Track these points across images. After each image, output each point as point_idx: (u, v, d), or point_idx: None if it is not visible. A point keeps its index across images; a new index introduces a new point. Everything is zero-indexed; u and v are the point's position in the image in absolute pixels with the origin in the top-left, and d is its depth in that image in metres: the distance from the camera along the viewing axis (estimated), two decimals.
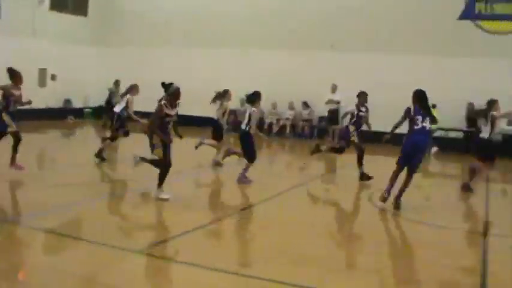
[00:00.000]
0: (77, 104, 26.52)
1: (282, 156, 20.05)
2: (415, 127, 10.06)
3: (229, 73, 23.34)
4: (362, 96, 13.43)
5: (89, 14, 27.18)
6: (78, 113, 26.30)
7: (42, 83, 24.77)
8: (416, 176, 10.51)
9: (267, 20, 23.96)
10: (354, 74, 21.73)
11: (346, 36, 22.65)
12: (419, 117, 10.08)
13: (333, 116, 22.29)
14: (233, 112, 20.42)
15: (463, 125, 21.03)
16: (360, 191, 12.31)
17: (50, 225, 7.74)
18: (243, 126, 12.21)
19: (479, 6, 21.72)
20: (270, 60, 23.40)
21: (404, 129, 10.20)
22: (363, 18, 22.46)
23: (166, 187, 9.81)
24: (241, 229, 8.81)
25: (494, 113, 12.25)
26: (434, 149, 20.41)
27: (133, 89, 14.10)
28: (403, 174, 10.14)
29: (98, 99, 25.61)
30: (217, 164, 14.22)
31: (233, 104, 17.52)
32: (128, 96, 14.01)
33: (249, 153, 12.17)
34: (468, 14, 21.78)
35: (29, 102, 11.56)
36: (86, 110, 26.87)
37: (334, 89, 22.29)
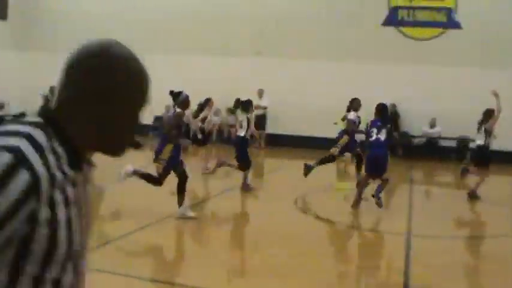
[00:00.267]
0: None
1: (207, 162, 19.77)
2: (370, 139, 10.61)
3: (161, 80, 22.88)
4: (356, 103, 13.14)
5: (9, 17, 26.12)
6: None
7: None
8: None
9: (195, 26, 23.64)
10: (280, 80, 21.75)
11: (273, 43, 22.59)
12: (375, 130, 10.56)
13: (261, 121, 22.18)
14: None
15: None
16: (286, 196, 12.17)
17: None
18: (242, 133, 12.20)
19: (402, 13, 22.15)
20: (195, 68, 23.07)
21: None
22: (289, 25, 22.45)
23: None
24: (168, 237, 8.52)
25: (491, 121, 12.70)
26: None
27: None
28: None
29: (21, 106, 24.62)
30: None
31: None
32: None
33: (246, 160, 12.13)
34: (391, 20, 22.16)
35: None
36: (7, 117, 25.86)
37: (261, 94, 22.19)
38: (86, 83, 1.59)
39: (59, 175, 1.48)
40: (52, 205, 1.45)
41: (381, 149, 10.65)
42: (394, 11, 22.18)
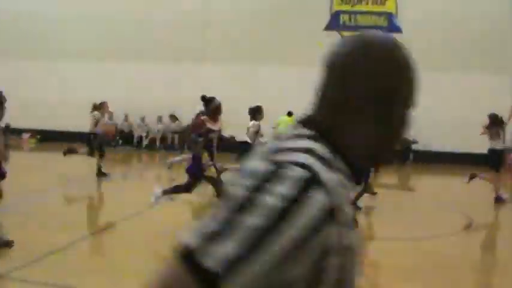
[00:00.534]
0: None
1: (152, 169, 19.53)
2: None
3: (103, 87, 22.54)
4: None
5: None
6: None
7: None
8: None
9: (136, 33, 23.28)
10: (224, 86, 21.63)
11: (215, 48, 22.44)
12: None
13: None
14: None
15: None
16: None
17: None
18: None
19: (343, 18, 22.33)
20: (137, 74, 22.72)
21: None
22: (231, 30, 22.34)
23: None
24: (109, 246, 8.25)
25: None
26: None
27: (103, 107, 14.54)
28: None
29: None
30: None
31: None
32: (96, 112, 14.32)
33: None
34: (333, 25, 22.32)
35: None
36: None
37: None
38: (370, 85, 1.36)
39: (344, 193, 1.26)
40: (343, 227, 1.23)
41: None
42: (335, 15, 22.35)
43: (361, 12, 22.32)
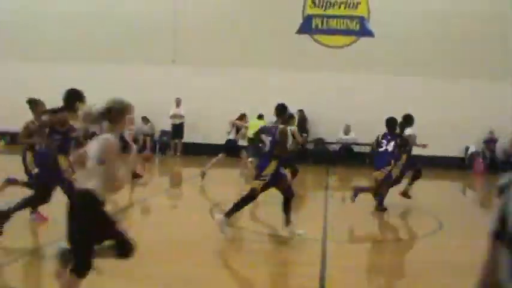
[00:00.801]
0: None
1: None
2: (379, 149, 11.84)
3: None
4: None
5: None
6: None
7: None
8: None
9: (108, 35, 23.09)
10: (196, 89, 21.61)
11: (189, 51, 22.37)
12: (384, 141, 11.79)
13: (178, 130, 21.96)
14: None
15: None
16: (202, 205, 12.00)
17: None
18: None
19: (316, 21, 22.42)
20: (108, 76, 22.46)
21: None
22: (204, 33, 22.29)
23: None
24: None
25: None
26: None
27: None
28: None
29: None
30: None
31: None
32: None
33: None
34: (306, 28, 22.40)
35: None
36: None
37: (178, 103, 21.92)
38: None
39: None
40: None
41: (385, 156, 11.80)
42: (308, 19, 22.43)
43: (334, 16, 22.42)
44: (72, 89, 8.23)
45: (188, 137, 21.94)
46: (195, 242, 8.57)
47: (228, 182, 15.73)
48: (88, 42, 22.83)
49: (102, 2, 22.87)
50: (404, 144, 12.22)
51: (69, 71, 22.36)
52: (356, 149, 21.46)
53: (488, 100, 20.77)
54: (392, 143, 11.79)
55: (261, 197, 9.23)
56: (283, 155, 9.00)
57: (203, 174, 15.04)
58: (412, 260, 8.47)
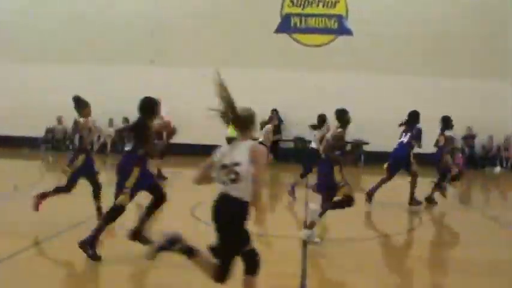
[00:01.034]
0: None
1: (104, 173, 19.22)
2: (398, 140, 12.56)
3: (44, 89, 22.16)
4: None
5: None
6: None
7: None
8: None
9: (84, 34, 22.94)
10: (177, 89, 21.53)
11: (167, 51, 22.29)
12: (403, 134, 12.55)
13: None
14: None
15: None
16: (184, 203, 11.94)
17: None
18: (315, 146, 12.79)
19: (294, 20, 22.45)
20: (88, 76, 22.33)
21: None
22: (183, 33, 22.24)
23: None
24: (66, 250, 8.06)
25: None
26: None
27: None
28: None
29: None
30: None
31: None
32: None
33: (309, 170, 12.86)
34: (284, 27, 22.42)
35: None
36: None
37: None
38: None
39: None
40: None
41: (401, 148, 12.47)
42: (286, 18, 22.45)
43: (312, 15, 22.48)
44: (150, 97, 8.10)
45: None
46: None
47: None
48: (65, 44, 22.69)
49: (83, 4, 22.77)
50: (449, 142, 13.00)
51: (45, 71, 22.29)
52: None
53: (467, 97, 20.95)
54: (408, 135, 12.46)
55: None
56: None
57: None
58: (393, 256, 8.51)
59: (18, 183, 13.64)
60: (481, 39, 21.57)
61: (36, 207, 9.35)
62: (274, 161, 15.67)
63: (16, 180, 14.10)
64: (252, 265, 5.18)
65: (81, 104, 9.62)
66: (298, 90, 21.42)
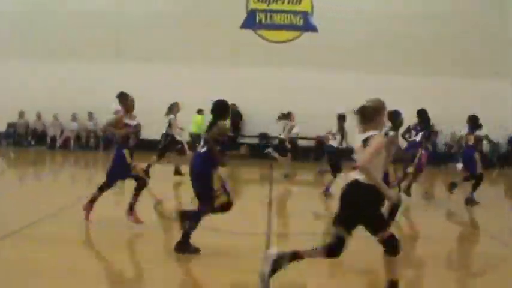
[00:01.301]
0: None
1: (67, 169, 19.05)
2: (409, 139, 12.79)
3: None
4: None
5: None
6: None
7: None
8: None
9: (43, 29, 22.58)
10: (138, 83, 21.34)
11: (131, 46, 22.09)
12: (414, 132, 12.73)
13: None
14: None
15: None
16: (148, 200, 11.85)
17: None
18: (335, 144, 12.98)
19: (260, 16, 22.44)
20: (50, 71, 22.04)
21: None
22: (146, 27, 22.06)
23: None
24: (19, 250, 7.94)
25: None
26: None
27: (174, 108, 14.96)
28: None
29: None
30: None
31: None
32: (171, 116, 14.78)
33: (338, 167, 12.92)
34: (249, 23, 22.40)
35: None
36: None
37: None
38: None
39: None
40: None
41: (414, 145, 12.66)
42: (252, 14, 22.43)
43: (277, 11, 22.50)
44: (222, 100, 8.01)
45: None
46: (138, 238, 8.48)
47: (171, 178, 15.61)
48: (27, 39, 22.36)
49: None
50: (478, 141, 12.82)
51: (6, 67, 21.97)
52: (300, 143, 21.55)
53: (431, 94, 21.17)
54: (420, 134, 12.72)
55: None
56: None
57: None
58: (355, 251, 8.54)
59: None
60: (429, 35, 21.83)
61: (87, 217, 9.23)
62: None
63: None
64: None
65: (121, 98, 9.43)
66: (263, 86, 21.43)
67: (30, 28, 22.46)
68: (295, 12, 22.51)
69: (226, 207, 7.77)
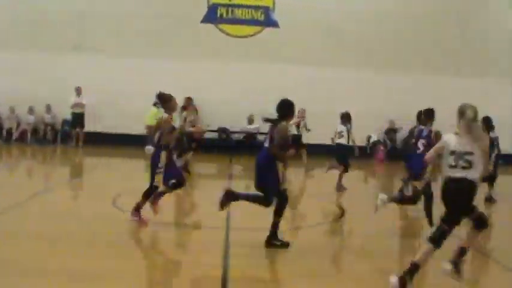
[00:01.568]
0: None
1: (23, 163, 18.74)
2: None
3: None
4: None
5: None
6: None
7: None
8: None
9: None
10: (98, 77, 21.13)
11: (92, 39, 21.79)
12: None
13: (79, 119, 21.30)
14: None
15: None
16: (105, 195, 11.72)
17: None
18: (343, 142, 13.31)
19: (221, 10, 22.37)
20: (4, 62, 21.55)
21: None
22: (108, 21, 21.79)
23: None
24: None
25: None
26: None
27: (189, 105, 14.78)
28: None
29: None
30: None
31: None
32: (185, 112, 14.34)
33: (347, 163, 13.54)
34: (210, 17, 22.31)
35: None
36: None
37: (79, 92, 21.25)
38: None
39: None
40: None
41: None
42: (213, 8, 22.35)
43: (239, 6, 22.45)
44: (287, 99, 8.34)
45: (91, 126, 21.32)
46: (97, 233, 8.38)
47: (130, 172, 15.50)
48: None
49: None
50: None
51: None
52: (260, 138, 21.60)
53: (390, 91, 21.41)
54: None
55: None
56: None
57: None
58: (314, 245, 8.58)
59: None
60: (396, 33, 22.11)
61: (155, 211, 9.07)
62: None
63: None
64: (480, 223, 6.37)
65: (162, 99, 9.15)
66: (224, 80, 21.39)
67: None
68: (256, 7, 22.48)
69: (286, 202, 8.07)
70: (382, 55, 22.10)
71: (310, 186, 13.63)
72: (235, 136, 22.08)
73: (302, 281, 6.81)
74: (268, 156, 7.93)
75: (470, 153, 6.18)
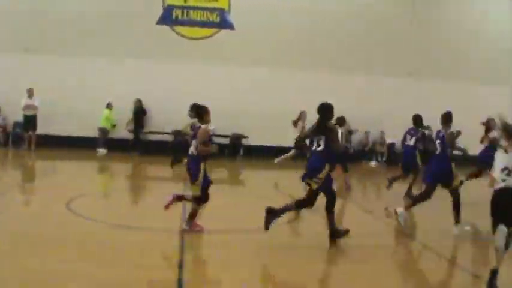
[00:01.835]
0: None
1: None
2: (405, 143, 13.73)
3: None
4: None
5: None
6: None
7: None
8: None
9: None
10: (50, 79, 20.79)
11: (43, 39, 21.41)
12: (409, 136, 13.55)
13: (31, 121, 20.85)
14: None
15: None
16: (58, 198, 11.54)
17: None
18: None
19: (176, 12, 22.27)
20: None
21: None
22: (61, 22, 21.45)
23: None
24: None
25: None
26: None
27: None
28: None
29: None
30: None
31: None
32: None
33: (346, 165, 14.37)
34: (166, 19, 22.19)
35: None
36: None
37: (31, 93, 20.79)
38: None
39: None
40: None
41: (409, 149, 13.55)
42: (169, 10, 22.24)
43: (194, 8, 22.37)
44: (328, 103, 9.00)
45: (44, 129, 20.88)
46: (52, 237, 8.25)
47: (83, 175, 15.30)
48: None
49: None
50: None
51: None
52: (215, 140, 21.55)
53: (346, 91, 21.56)
54: (414, 138, 13.41)
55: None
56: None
57: None
58: (271, 247, 8.59)
59: None
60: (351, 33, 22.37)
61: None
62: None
63: None
64: None
65: (200, 111, 9.26)
66: (178, 83, 21.26)
67: None
68: (212, 10, 22.45)
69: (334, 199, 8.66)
70: (336, 55, 22.30)
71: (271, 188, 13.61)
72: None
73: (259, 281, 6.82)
74: (320, 158, 8.55)
75: None
